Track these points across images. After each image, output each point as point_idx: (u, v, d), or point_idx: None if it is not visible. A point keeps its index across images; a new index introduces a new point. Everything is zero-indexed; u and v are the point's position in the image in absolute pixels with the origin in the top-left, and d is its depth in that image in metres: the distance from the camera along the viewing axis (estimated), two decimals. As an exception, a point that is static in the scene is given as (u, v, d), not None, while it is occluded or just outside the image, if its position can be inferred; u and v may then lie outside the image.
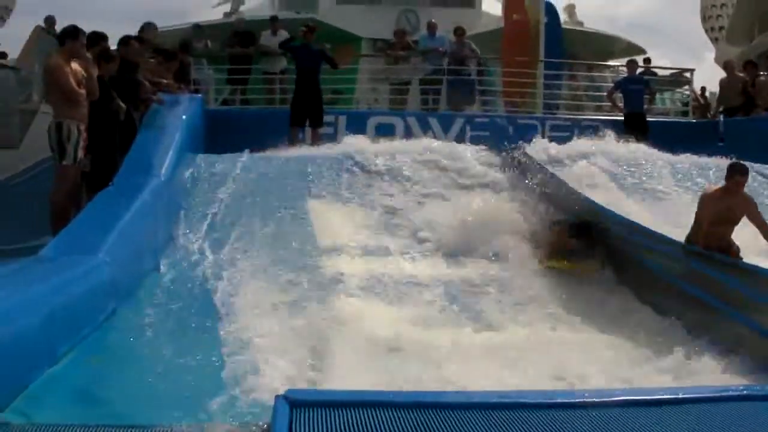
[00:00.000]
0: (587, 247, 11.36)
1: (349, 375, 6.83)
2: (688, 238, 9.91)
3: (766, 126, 16.68)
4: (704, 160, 14.99)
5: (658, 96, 21.67)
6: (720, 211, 9.66)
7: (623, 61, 23.96)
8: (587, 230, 11.51)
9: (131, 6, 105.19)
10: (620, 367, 7.64)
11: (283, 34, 19.49)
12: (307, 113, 16.36)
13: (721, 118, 19.65)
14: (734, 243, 9.84)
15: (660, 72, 22.56)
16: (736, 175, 9.68)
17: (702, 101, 23.60)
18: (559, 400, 5.52)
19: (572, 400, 5.56)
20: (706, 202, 9.91)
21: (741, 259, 9.66)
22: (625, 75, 19.59)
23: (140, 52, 13.38)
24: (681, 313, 9.06)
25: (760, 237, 9.75)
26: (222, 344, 7.66)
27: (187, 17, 25.06)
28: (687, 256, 9.64)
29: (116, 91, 11.63)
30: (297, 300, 9.38)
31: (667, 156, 15.12)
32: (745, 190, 10.03)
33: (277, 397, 4.97)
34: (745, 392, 6.09)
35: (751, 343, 7.87)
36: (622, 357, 8.06)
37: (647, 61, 22.30)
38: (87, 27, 11.28)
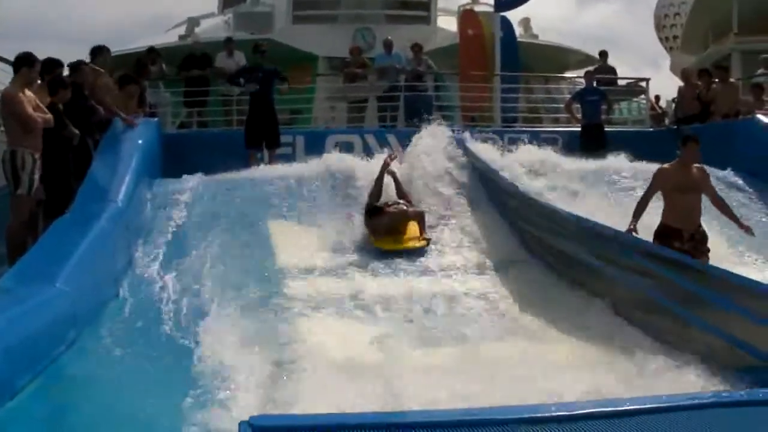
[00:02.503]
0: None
1: (314, 398, 6.76)
2: (662, 223, 10.35)
3: (720, 133, 16.78)
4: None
5: (615, 106, 21.75)
6: (679, 181, 10.29)
7: (580, 72, 24.09)
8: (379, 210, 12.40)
9: (84, 30, 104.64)
10: (588, 379, 7.60)
11: (239, 56, 19.46)
12: (262, 134, 16.28)
13: (675, 126, 19.76)
14: (702, 225, 10.45)
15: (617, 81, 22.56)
16: (689, 141, 10.49)
17: (658, 110, 23.79)
18: (527, 416, 5.47)
19: (539, 415, 5.51)
20: (663, 174, 10.57)
21: (706, 238, 10.34)
22: (583, 86, 19.70)
23: (97, 78, 13.28)
24: (652, 323, 9.06)
25: None
26: (184, 371, 7.57)
27: (140, 41, 24.77)
28: (641, 255, 9.69)
29: (69, 117, 11.50)
30: (259, 323, 9.31)
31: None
32: None
33: (240, 423, 4.89)
34: (714, 399, 6.09)
35: (718, 351, 7.88)
36: (589, 368, 8.03)
37: (603, 54, 22.20)
38: (38, 50, 11.16)
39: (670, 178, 10.39)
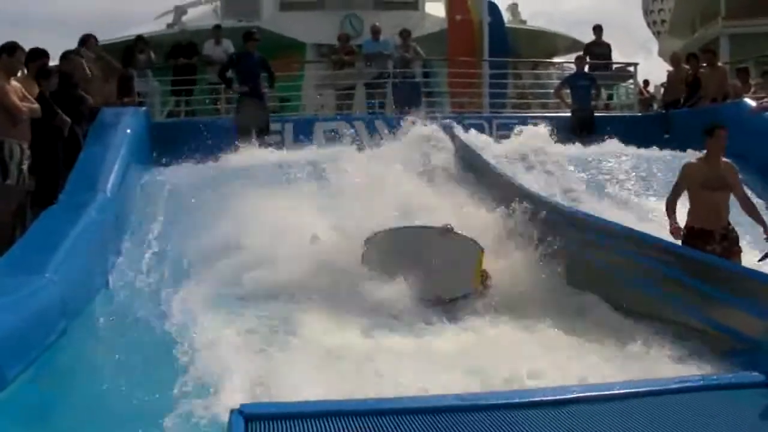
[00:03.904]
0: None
1: (305, 385, 6.76)
2: (689, 226, 9.72)
3: (709, 117, 16.82)
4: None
5: (607, 91, 21.74)
6: (708, 177, 9.65)
7: (569, 57, 24.10)
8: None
9: (72, 18, 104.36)
10: (575, 363, 7.62)
11: (227, 43, 19.42)
12: (253, 121, 16.25)
13: (663, 110, 19.84)
14: (731, 225, 9.80)
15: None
16: (716, 130, 9.74)
17: (646, 94, 23.82)
18: (516, 400, 5.52)
19: (529, 400, 5.55)
20: (689, 170, 9.91)
21: (737, 238, 9.72)
22: (573, 71, 19.71)
23: (82, 66, 13.25)
24: (636, 309, 9.07)
25: None
26: (175, 360, 7.56)
27: (129, 29, 24.71)
28: (644, 251, 9.35)
29: (59, 106, 11.47)
30: (249, 311, 9.30)
31: None
32: None
33: (231, 411, 4.92)
34: (702, 383, 6.14)
35: (705, 336, 7.91)
36: (576, 353, 8.05)
37: (597, 29, 21.86)
38: (26, 37, 11.11)
39: (698, 174, 9.75)
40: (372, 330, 9.06)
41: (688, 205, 9.96)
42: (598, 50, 21.22)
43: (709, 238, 9.53)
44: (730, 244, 9.61)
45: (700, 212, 9.68)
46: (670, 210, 9.85)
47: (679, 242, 9.52)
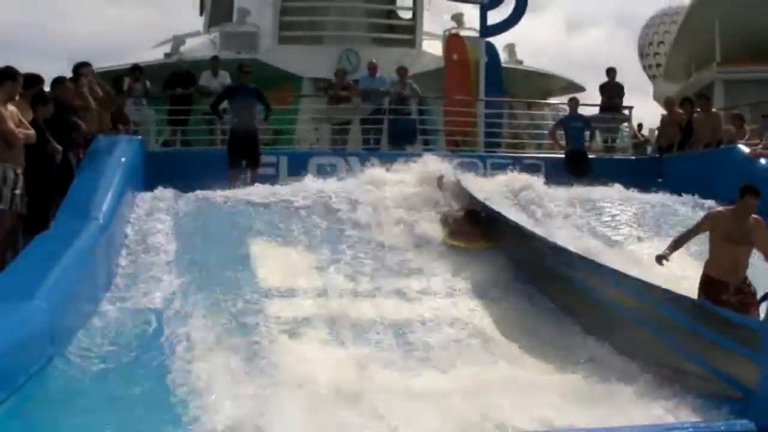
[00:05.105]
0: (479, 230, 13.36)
1: (292, 421, 6.73)
2: (706, 274, 9.58)
3: (702, 162, 16.93)
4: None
5: (611, 134, 21.86)
6: (732, 230, 9.38)
7: (563, 98, 24.18)
8: (478, 216, 13.63)
9: (68, 46, 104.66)
10: (567, 406, 7.60)
11: (223, 75, 19.45)
12: (243, 154, 16.30)
13: (657, 154, 19.90)
14: (749, 280, 9.54)
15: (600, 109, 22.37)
16: (747, 195, 9.37)
17: (640, 137, 23.88)
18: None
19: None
20: (715, 218, 9.74)
21: (754, 292, 9.45)
22: (567, 113, 19.79)
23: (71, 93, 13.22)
24: (633, 352, 9.07)
25: None
26: (163, 391, 7.53)
27: (126, 58, 24.72)
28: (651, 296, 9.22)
29: (51, 132, 11.44)
30: (239, 344, 9.24)
31: None
32: None
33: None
34: (692, 430, 6.12)
35: (699, 381, 7.90)
36: (569, 396, 8.02)
37: (611, 71, 21.82)
38: (23, 66, 11.10)
39: (722, 224, 9.50)
40: (367, 366, 9.02)
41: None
42: (610, 92, 21.30)
43: (724, 290, 9.34)
44: (746, 297, 9.37)
45: (719, 263, 9.47)
46: (676, 243, 9.84)
47: (659, 266, 9.65)
